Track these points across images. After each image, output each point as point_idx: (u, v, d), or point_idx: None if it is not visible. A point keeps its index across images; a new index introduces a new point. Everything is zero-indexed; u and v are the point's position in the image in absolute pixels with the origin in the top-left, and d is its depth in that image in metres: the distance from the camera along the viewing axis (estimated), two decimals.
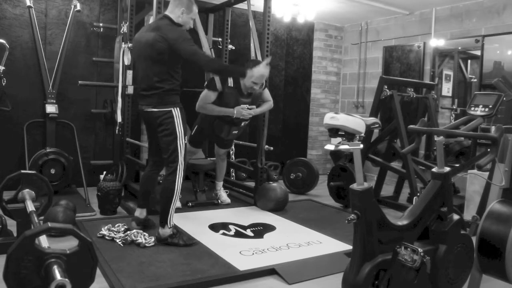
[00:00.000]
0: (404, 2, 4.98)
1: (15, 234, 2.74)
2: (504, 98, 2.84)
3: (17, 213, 2.66)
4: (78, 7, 4.28)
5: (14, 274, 1.53)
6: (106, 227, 3.12)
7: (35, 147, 4.28)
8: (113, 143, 4.75)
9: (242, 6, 4.86)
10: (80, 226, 3.23)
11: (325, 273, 2.61)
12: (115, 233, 3.05)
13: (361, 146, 3.56)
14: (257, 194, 4.11)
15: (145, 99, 2.94)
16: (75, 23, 4.50)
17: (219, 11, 5.09)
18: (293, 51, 6.12)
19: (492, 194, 2.36)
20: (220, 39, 5.10)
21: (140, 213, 3.25)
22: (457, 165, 4.08)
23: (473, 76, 4.84)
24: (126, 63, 4.05)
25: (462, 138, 4.50)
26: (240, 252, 2.87)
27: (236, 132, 3.85)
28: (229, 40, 5.09)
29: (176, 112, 2.89)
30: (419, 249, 1.83)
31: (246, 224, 3.54)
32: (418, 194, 3.74)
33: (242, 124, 3.81)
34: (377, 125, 4.01)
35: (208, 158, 4.63)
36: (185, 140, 2.91)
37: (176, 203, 2.95)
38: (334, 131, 3.75)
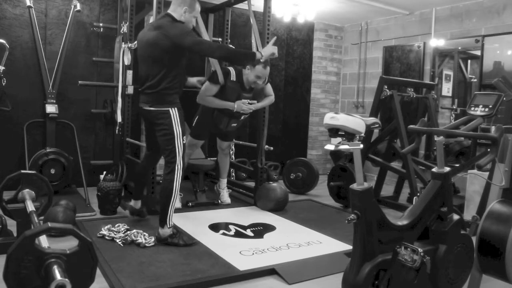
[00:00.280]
0: (404, 2, 4.98)
1: (15, 234, 2.74)
2: (504, 98, 2.84)
3: (17, 213, 2.65)
4: (78, 7, 4.28)
5: (14, 274, 1.53)
6: (106, 227, 3.12)
7: (35, 147, 4.28)
8: (113, 143, 4.75)
9: (242, 6, 4.87)
10: (80, 226, 3.23)
11: (325, 273, 2.61)
12: (115, 233, 3.05)
13: (361, 146, 3.57)
14: (257, 194, 4.11)
15: (144, 97, 2.98)
16: (75, 23, 4.50)
17: (219, 11, 5.09)
18: (293, 51, 6.12)
19: (492, 194, 2.36)
20: (220, 39, 5.10)
21: (135, 203, 3.34)
22: (457, 165, 4.08)
23: (473, 76, 4.84)
24: (126, 63, 4.05)
25: (462, 138, 4.50)
26: (240, 252, 2.87)
27: (235, 124, 3.86)
28: (229, 40, 5.09)
29: (174, 112, 2.89)
30: (419, 249, 1.83)
31: (246, 224, 3.54)
32: (418, 194, 3.74)
33: (242, 117, 3.82)
34: (377, 125, 4.01)
35: (208, 158, 4.63)
36: (183, 140, 2.92)
37: (175, 202, 2.95)
38: (334, 131, 3.76)
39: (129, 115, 4.28)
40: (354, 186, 1.86)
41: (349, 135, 3.67)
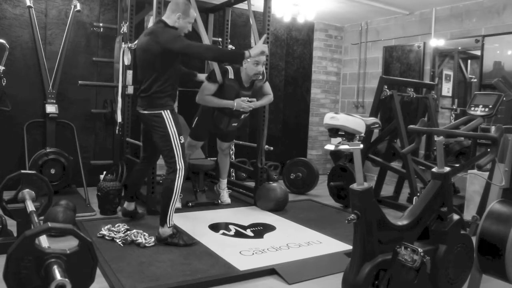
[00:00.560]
0: (404, 2, 4.98)
1: (15, 234, 2.74)
2: (504, 98, 2.84)
3: (17, 213, 2.66)
4: (78, 7, 4.28)
5: (14, 274, 1.53)
6: (106, 227, 3.12)
7: (35, 147, 4.28)
8: (113, 143, 4.75)
9: (242, 6, 4.87)
10: (80, 226, 3.23)
11: (325, 273, 2.61)
12: (115, 233, 3.05)
13: (361, 146, 3.56)
14: (257, 194, 4.11)
15: (139, 101, 3.08)
16: (75, 23, 4.50)
17: (219, 11, 5.09)
18: (293, 51, 6.12)
19: (492, 194, 2.36)
20: (220, 39, 5.10)
21: (128, 205, 3.39)
22: (457, 165, 4.08)
23: (473, 76, 4.84)
24: (126, 63, 4.05)
25: (462, 138, 4.50)
26: (240, 252, 2.87)
27: (235, 124, 3.85)
28: (229, 40, 5.09)
29: (167, 114, 2.95)
30: (419, 249, 1.83)
31: (246, 224, 3.54)
32: (418, 194, 3.74)
33: (242, 116, 3.81)
34: (377, 125, 4.01)
35: (208, 158, 4.64)
36: (180, 140, 2.96)
37: (176, 202, 2.97)
38: (334, 131, 3.76)
39: (129, 115, 4.28)
40: (354, 186, 1.86)
41: (349, 135, 3.67)
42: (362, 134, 3.76)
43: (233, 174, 5.21)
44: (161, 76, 2.92)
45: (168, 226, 2.93)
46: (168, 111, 2.96)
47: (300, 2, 5.07)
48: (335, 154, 5.60)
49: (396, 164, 4.53)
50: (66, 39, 4.32)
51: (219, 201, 4.13)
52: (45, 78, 4.27)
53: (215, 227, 3.42)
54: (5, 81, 3.85)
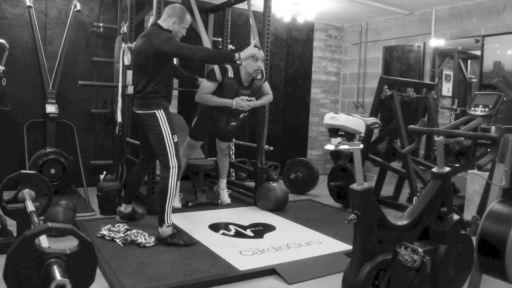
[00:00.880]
0: (404, 2, 4.98)
1: (15, 234, 2.74)
2: (504, 98, 2.84)
3: (17, 213, 2.66)
4: (78, 7, 4.28)
5: (14, 274, 1.53)
6: (106, 227, 3.12)
7: (35, 147, 4.28)
8: (113, 143, 4.75)
9: (242, 6, 4.87)
10: (80, 226, 3.23)
11: (325, 273, 2.61)
12: (115, 233, 3.05)
13: (361, 146, 3.57)
14: (257, 194, 4.11)
15: (135, 101, 3.13)
16: (75, 23, 4.51)
17: (219, 11, 5.09)
18: (293, 51, 6.12)
19: (492, 194, 2.36)
20: (220, 39, 5.10)
21: (125, 208, 3.39)
22: (457, 165, 4.08)
23: (473, 76, 4.84)
24: (126, 63, 4.05)
25: (462, 138, 4.50)
26: (240, 252, 2.87)
27: (234, 123, 3.84)
28: (229, 40, 5.09)
29: (160, 114, 3.00)
30: (419, 249, 1.83)
31: (246, 224, 3.54)
32: (418, 194, 3.74)
33: (241, 115, 3.80)
34: (377, 125, 4.01)
35: (208, 158, 4.63)
36: (174, 138, 2.99)
37: (172, 201, 2.98)
38: (334, 131, 3.76)
39: (129, 115, 4.28)
40: (354, 186, 1.86)
41: (349, 135, 3.68)
42: (362, 134, 3.76)
43: (233, 174, 5.21)
44: (154, 77, 2.97)
45: (167, 225, 2.94)
46: (162, 110, 3.00)
47: (300, 2, 5.07)
48: (335, 154, 5.60)
49: (396, 164, 4.53)
50: (66, 39, 4.32)
51: (219, 201, 4.13)
52: (45, 78, 4.27)
53: (215, 227, 3.42)
54: (5, 81, 3.85)
